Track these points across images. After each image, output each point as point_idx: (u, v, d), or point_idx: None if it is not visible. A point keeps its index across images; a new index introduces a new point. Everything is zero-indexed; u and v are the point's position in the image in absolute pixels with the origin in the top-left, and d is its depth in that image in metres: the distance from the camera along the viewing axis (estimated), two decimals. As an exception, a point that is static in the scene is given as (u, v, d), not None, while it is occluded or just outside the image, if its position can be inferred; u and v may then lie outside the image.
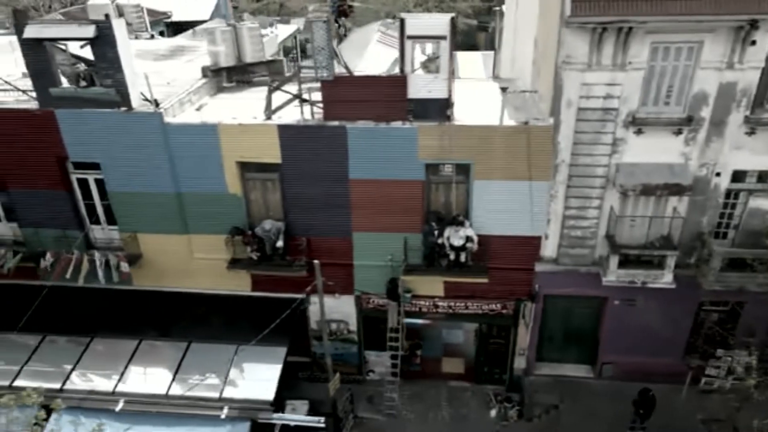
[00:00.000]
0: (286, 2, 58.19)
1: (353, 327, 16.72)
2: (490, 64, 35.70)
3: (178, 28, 38.16)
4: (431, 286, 15.66)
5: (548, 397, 16.06)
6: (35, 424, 12.63)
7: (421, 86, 13.32)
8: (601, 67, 12.45)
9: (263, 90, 17.21)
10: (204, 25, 33.33)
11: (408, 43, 12.95)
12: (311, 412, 15.85)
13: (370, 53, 33.27)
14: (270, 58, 18.32)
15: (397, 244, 15.12)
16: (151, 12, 31.49)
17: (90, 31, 13.12)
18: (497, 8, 34.75)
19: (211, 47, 16.95)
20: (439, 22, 12.68)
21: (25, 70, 16.65)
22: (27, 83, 15.95)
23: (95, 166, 14.98)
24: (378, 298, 15.92)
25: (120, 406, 13.52)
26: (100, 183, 15.28)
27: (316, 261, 14.07)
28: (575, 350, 16.69)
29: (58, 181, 15.06)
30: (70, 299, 15.94)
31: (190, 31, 30.94)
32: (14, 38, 22.14)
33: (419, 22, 12.80)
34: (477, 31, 52.64)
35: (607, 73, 12.50)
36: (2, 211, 15.95)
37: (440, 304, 15.91)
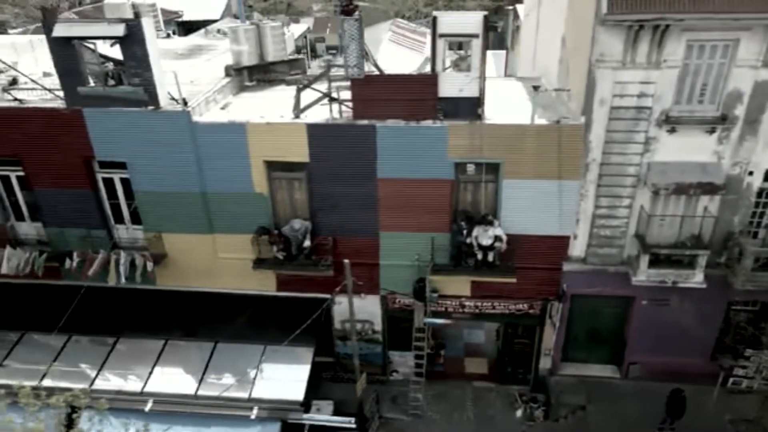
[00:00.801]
0: (294, 2, 58.25)
1: (378, 327, 16.65)
2: (501, 63, 35.69)
3: (189, 27, 38.19)
4: (458, 285, 15.58)
5: (574, 398, 15.97)
6: (67, 425, 12.62)
7: (452, 85, 13.24)
8: (635, 66, 12.37)
9: (285, 89, 17.26)
10: (215, 24, 33.33)
11: (439, 42, 12.87)
12: (335, 412, 15.76)
13: (382, 52, 33.22)
14: (292, 57, 18.27)
15: (424, 243, 15.04)
16: (162, 11, 31.48)
17: (120, 30, 13.05)
18: (509, 8, 34.80)
19: (234, 46, 16.88)
20: (471, 20, 12.59)
21: (46, 69, 16.68)
22: (48, 82, 15.95)
23: (121, 166, 14.92)
24: (404, 298, 15.84)
25: (149, 406, 13.44)
26: (125, 182, 15.24)
27: (346, 261, 14.00)
28: (601, 350, 16.60)
29: (84, 181, 15.00)
30: (94, 299, 15.86)
31: (202, 31, 30.92)
32: (34, 37, 22.22)
33: (451, 20, 12.71)
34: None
35: (642, 72, 12.42)
36: (27, 210, 15.90)
37: (467, 303, 15.82)
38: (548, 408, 16.14)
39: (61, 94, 14.35)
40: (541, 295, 15.47)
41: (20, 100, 15.04)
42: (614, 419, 15.49)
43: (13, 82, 15.82)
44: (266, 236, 14.96)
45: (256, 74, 17.58)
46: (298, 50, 36.63)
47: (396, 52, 33.33)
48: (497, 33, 47.05)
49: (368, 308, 16.23)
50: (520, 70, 23.45)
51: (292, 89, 17.08)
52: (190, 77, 16.57)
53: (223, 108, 15.44)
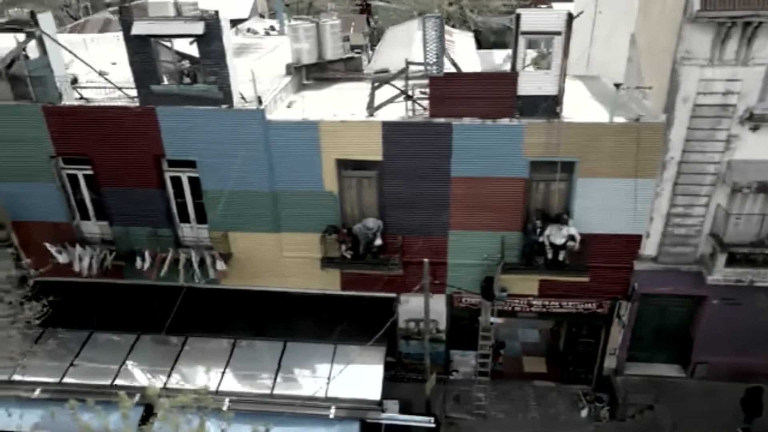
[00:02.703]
0: (314, 1, 58.11)
1: (442, 326, 16.60)
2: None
3: (218, 26, 37.95)
4: (526, 284, 15.51)
5: (642, 397, 15.86)
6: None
7: (532, 83, 13.17)
8: (722, 63, 12.28)
9: (344, 87, 17.26)
10: (245, 24, 33.26)
11: (521, 39, 12.80)
12: (400, 411, 15.71)
13: (415, 52, 33.13)
14: (348, 55, 18.24)
15: (493, 242, 14.98)
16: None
17: (199, 28, 13.03)
18: (543, 6, 34.67)
19: (295, 44, 16.84)
20: (555, 18, 12.52)
21: (103, 67, 16.65)
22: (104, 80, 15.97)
23: (189, 164, 14.89)
24: (470, 297, 15.78)
25: (226, 405, 13.39)
26: (192, 181, 15.20)
27: (425, 260, 13.94)
28: (667, 349, 16.51)
29: (152, 179, 14.97)
30: (159, 298, 15.83)
31: (232, 30, 30.81)
32: (88, 36, 22.20)
33: (534, 18, 12.63)
34: (507, 29, 52.47)
35: (729, 69, 12.33)
36: (92, 209, 15.88)
37: (534, 303, 15.75)
38: (615, 408, 16.05)
39: (128, 92, 14.39)
40: (610, 294, 15.38)
41: (86, 99, 15.05)
42: (685, 419, 15.39)
43: (74, 81, 15.80)
44: (335, 235, 14.91)
45: (313, 72, 17.57)
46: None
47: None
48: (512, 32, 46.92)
49: (434, 307, 16.03)
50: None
51: (351, 87, 17.20)
52: (247, 76, 16.58)
53: (288, 106, 15.41)
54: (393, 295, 15.97)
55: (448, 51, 13.77)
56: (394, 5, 44.64)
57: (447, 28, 43.37)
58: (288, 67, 16.91)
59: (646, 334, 16.24)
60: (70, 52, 14.71)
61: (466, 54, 25.90)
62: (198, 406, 10.44)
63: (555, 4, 32.20)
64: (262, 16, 44.35)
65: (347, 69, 18.14)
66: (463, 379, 17.48)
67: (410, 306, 16.28)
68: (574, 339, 16.75)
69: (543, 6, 34.55)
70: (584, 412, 16.35)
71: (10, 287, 11.12)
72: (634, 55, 14.90)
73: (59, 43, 14.21)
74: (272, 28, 27.02)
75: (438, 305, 16.13)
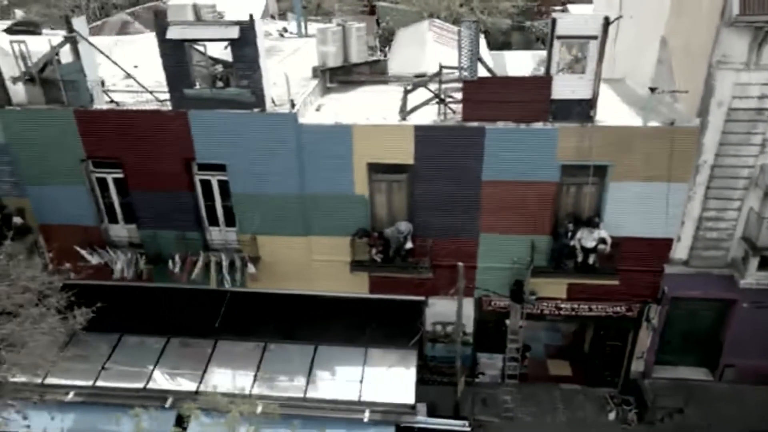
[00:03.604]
0: (323, 3, 58.15)
1: (469, 329, 16.58)
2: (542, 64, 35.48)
3: (230, 28, 37.96)
4: (554, 288, 15.52)
5: (671, 401, 15.86)
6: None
7: (566, 87, 13.17)
8: (759, 67, 12.28)
9: (368, 89, 17.26)
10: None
11: (556, 43, 12.81)
12: (428, 414, 15.72)
13: (429, 53, 33.11)
14: (373, 58, 18.25)
15: (522, 245, 14.99)
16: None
17: (234, 32, 13.04)
18: (558, 8, 34.68)
19: (321, 47, 16.85)
20: (591, 22, 12.53)
21: (129, 70, 16.62)
22: (131, 84, 15.92)
23: (219, 168, 14.90)
24: (499, 300, 15.79)
25: (259, 409, 13.38)
26: (221, 184, 15.21)
27: (460, 264, 13.95)
28: (694, 352, 16.51)
29: (183, 183, 14.99)
30: (186, 302, 15.88)
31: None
32: (112, 38, 22.21)
33: (570, 22, 12.64)
34: (512, 30, 52.51)
35: (765, 73, 12.33)
36: (121, 212, 15.89)
37: (563, 306, 15.76)
38: (643, 411, 16.05)
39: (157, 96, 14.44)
40: (640, 298, 15.38)
41: (116, 102, 15.07)
42: (714, 422, 15.41)
43: (101, 83, 15.81)
44: (365, 238, 14.92)
45: (338, 76, 17.57)
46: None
47: (443, 53, 33.21)
48: (523, 33, 46.98)
49: (462, 310, 16.16)
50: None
51: (375, 90, 17.21)
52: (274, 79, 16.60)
53: (317, 110, 15.41)
54: (421, 298, 15.98)
55: (482, 56, 13.76)
56: (399, 6, 44.59)
57: (457, 29, 43.35)
58: (314, 70, 16.91)
59: (673, 337, 16.24)
60: (108, 57, 14.78)
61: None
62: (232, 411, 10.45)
63: (571, 7, 32.26)
64: (273, 17, 44.31)
65: (372, 72, 18.15)
66: (489, 381, 17.49)
67: (437, 309, 16.29)
68: (601, 342, 16.76)
69: (557, 9, 34.61)
70: (612, 415, 16.35)
71: (51, 292, 11.11)
72: (665, 58, 14.89)
73: (97, 48, 14.26)
74: (285, 29, 26.99)
75: (466, 308, 16.05)
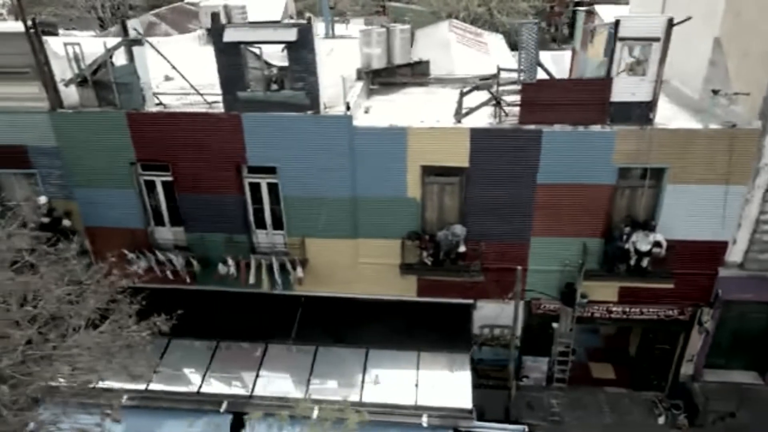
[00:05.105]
0: (337, 3, 58.04)
1: (517, 332, 16.46)
2: (562, 65, 35.29)
3: (251, 28, 37.82)
4: (606, 291, 15.39)
5: (723, 404, 15.74)
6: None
7: (626, 89, 13.06)
8: (825, 69, 12.19)
9: (410, 91, 17.18)
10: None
11: (618, 45, 12.69)
12: (477, 418, 15.64)
13: (454, 54, 32.97)
14: (416, 60, 18.15)
15: (573, 248, 14.87)
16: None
17: (292, 35, 12.97)
18: (581, 8, 34.49)
19: (366, 49, 16.75)
20: (655, 24, 12.41)
21: (167, 72, 16.53)
22: (169, 86, 15.98)
23: (269, 170, 14.82)
24: (549, 303, 15.69)
25: (315, 413, 13.31)
26: (270, 187, 15.13)
27: (518, 267, 13.88)
28: (744, 356, 16.38)
29: (233, 186, 14.91)
30: (232, 305, 15.80)
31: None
32: (153, 39, 22.07)
33: (634, 24, 12.51)
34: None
35: (831, 75, 12.24)
36: (168, 215, 15.81)
37: (614, 309, 15.65)
38: (694, 415, 15.94)
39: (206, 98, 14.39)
40: (692, 301, 15.27)
41: (164, 105, 14.99)
42: (766, 426, 15.29)
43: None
44: (416, 241, 14.83)
45: (381, 77, 17.48)
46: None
47: (467, 54, 33.07)
48: (540, 33, 46.77)
49: (510, 313, 16.05)
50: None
51: (417, 92, 17.12)
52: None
53: (366, 112, 15.31)
54: (470, 301, 15.89)
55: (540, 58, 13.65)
56: (414, 6, 44.46)
57: (477, 30, 43.31)
58: (359, 72, 16.81)
59: (724, 340, 16.12)
60: (168, 61, 14.77)
61: (500, 56, 25.85)
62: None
63: (598, 7, 32.04)
64: (291, 17, 44.22)
65: (414, 73, 18.06)
66: (533, 385, 17.39)
67: (484, 312, 16.20)
68: (650, 345, 16.65)
69: (581, 9, 34.37)
70: (661, 419, 16.25)
71: (121, 297, 11.04)
72: (719, 59, 14.74)
73: (159, 52, 14.26)
74: None
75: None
